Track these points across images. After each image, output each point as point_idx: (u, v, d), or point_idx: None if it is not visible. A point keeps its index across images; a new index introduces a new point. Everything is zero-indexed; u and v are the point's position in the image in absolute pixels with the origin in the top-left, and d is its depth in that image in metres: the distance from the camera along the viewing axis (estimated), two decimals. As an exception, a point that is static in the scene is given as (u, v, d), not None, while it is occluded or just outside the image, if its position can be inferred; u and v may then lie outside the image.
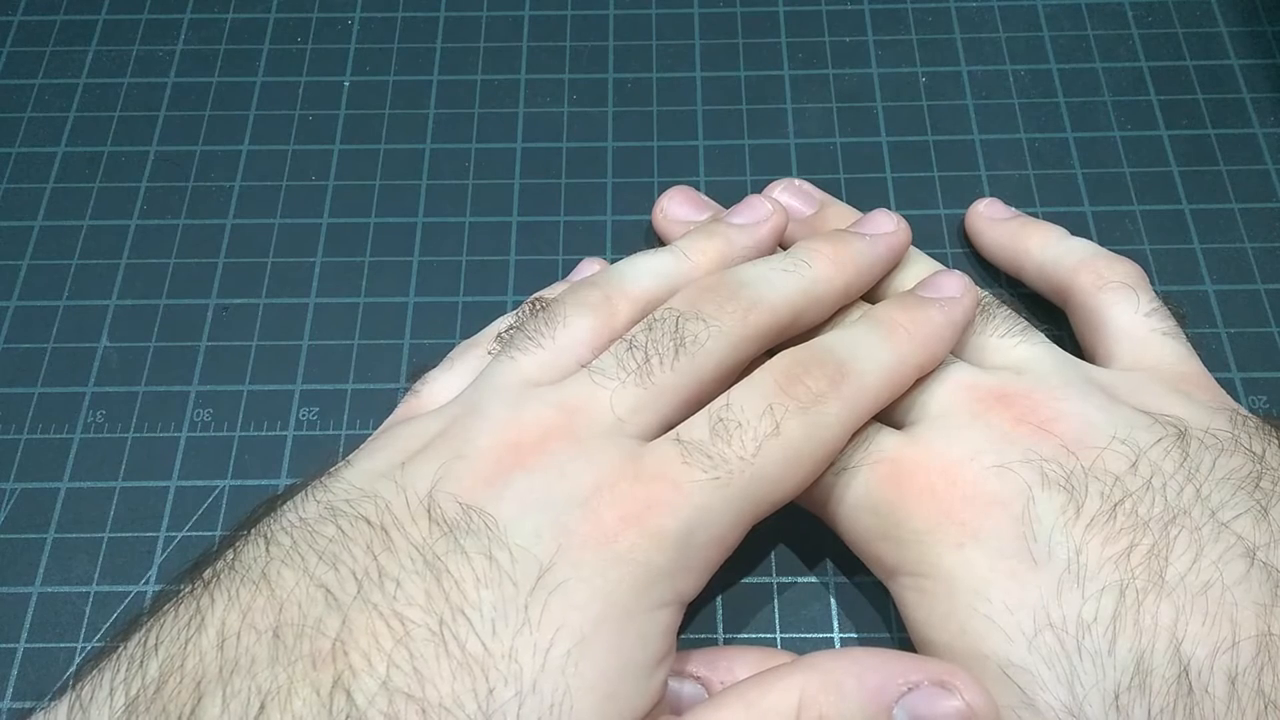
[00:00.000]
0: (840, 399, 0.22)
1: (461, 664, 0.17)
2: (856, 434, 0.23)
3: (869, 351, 0.23)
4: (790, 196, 0.30)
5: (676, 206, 0.31)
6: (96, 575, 0.27)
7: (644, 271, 0.26)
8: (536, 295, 0.27)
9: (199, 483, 0.28)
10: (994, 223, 0.30)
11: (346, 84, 0.35)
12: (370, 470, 0.21)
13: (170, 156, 0.34)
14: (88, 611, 0.26)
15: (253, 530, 0.21)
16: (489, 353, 0.25)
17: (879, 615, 0.26)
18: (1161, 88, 0.34)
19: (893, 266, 0.28)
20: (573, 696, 0.18)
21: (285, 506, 0.21)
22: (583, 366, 0.23)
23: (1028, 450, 0.22)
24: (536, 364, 0.23)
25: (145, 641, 0.19)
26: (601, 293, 0.25)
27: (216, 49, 0.36)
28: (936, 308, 0.25)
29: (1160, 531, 0.20)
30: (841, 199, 0.31)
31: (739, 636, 0.26)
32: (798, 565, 0.26)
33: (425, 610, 0.18)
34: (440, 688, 0.17)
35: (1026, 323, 0.26)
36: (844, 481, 0.23)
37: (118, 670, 0.18)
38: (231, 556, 0.20)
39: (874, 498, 0.23)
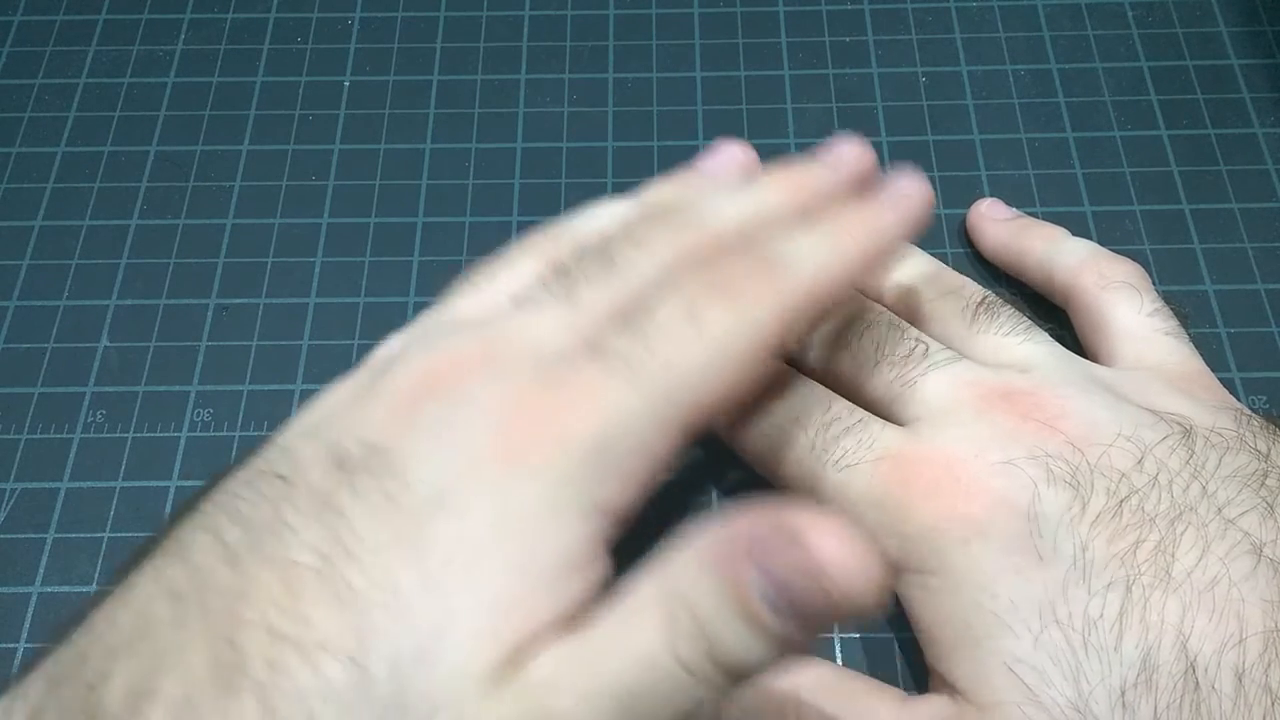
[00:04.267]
0: (770, 292, 0.20)
1: (345, 601, 0.17)
2: (857, 430, 0.23)
3: (804, 246, 0.21)
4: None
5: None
6: (96, 575, 0.26)
7: (597, 216, 0.24)
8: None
9: (199, 483, 0.28)
10: (995, 223, 0.30)
11: (346, 84, 0.35)
12: (296, 429, 0.21)
13: (170, 156, 0.34)
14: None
15: (188, 512, 0.21)
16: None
17: (879, 614, 0.26)
18: (1161, 88, 0.34)
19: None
20: (460, 617, 0.17)
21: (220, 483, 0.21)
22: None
23: (1033, 447, 0.22)
24: (470, 305, 0.22)
25: (89, 622, 0.19)
26: (550, 237, 0.24)
27: (216, 49, 0.36)
28: (882, 204, 0.23)
29: (1166, 528, 0.20)
30: (842, 198, 0.31)
31: (742, 636, 0.25)
32: (800, 564, 0.26)
33: (314, 553, 0.18)
34: (321, 627, 0.17)
35: (1030, 321, 0.26)
36: (846, 478, 0.23)
37: (57, 653, 0.18)
38: (166, 537, 0.20)
39: (877, 494, 0.23)
